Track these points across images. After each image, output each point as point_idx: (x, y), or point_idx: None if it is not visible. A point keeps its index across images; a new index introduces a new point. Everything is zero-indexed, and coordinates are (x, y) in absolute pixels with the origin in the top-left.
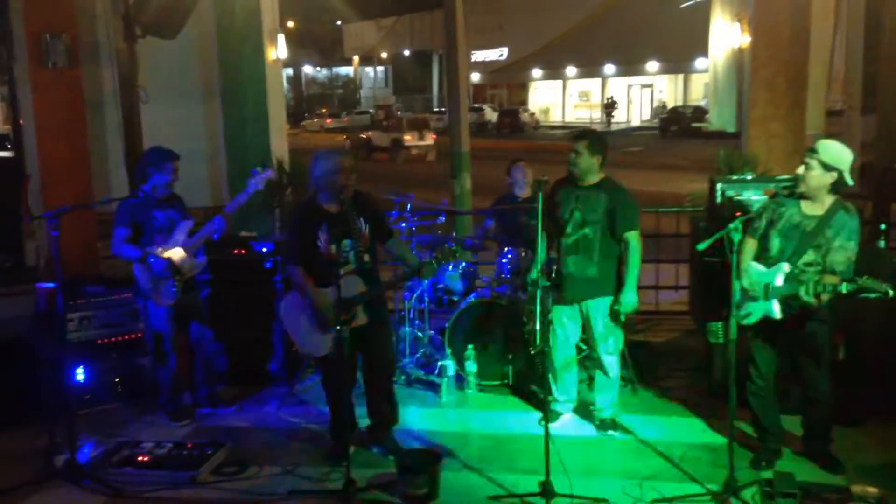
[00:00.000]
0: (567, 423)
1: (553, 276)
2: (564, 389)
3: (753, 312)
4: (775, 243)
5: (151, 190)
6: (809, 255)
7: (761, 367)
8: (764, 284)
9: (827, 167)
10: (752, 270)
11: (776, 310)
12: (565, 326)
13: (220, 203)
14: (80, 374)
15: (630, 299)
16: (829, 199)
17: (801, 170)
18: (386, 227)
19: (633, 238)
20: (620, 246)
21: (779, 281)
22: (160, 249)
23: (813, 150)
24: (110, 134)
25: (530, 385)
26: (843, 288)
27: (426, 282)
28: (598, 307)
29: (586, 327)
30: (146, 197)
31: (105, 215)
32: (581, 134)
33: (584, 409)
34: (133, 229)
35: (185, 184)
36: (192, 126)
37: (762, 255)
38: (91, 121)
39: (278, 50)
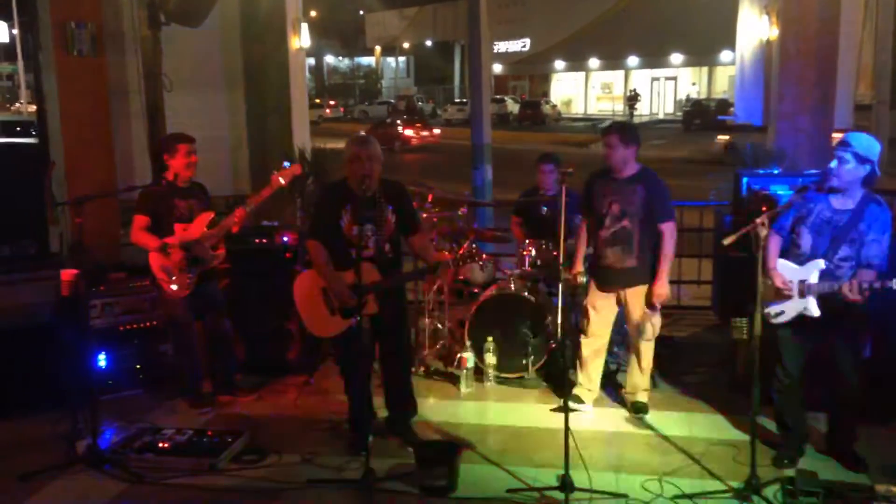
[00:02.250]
0: (588, 415)
1: (578, 269)
2: (590, 377)
3: (787, 311)
4: (806, 240)
5: (173, 177)
6: (844, 250)
7: (789, 365)
8: (799, 282)
9: (861, 159)
10: (785, 268)
11: (814, 307)
12: (601, 314)
13: (243, 192)
14: (102, 360)
15: (663, 290)
16: (859, 193)
17: (833, 164)
18: (414, 222)
19: (669, 229)
20: (655, 236)
21: (814, 278)
22: (178, 240)
23: (846, 144)
24: (134, 121)
25: (550, 378)
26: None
27: None
28: (636, 295)
29: (623, 315)
30: (168, 185)
31: (128, 203)
32: (611, 127)
33: (606, 401)
34: (153, 217)
35: (207, 172)
36: (215, 114)
37: (792, 253)
38: (115, 108)
39: (301, 39)
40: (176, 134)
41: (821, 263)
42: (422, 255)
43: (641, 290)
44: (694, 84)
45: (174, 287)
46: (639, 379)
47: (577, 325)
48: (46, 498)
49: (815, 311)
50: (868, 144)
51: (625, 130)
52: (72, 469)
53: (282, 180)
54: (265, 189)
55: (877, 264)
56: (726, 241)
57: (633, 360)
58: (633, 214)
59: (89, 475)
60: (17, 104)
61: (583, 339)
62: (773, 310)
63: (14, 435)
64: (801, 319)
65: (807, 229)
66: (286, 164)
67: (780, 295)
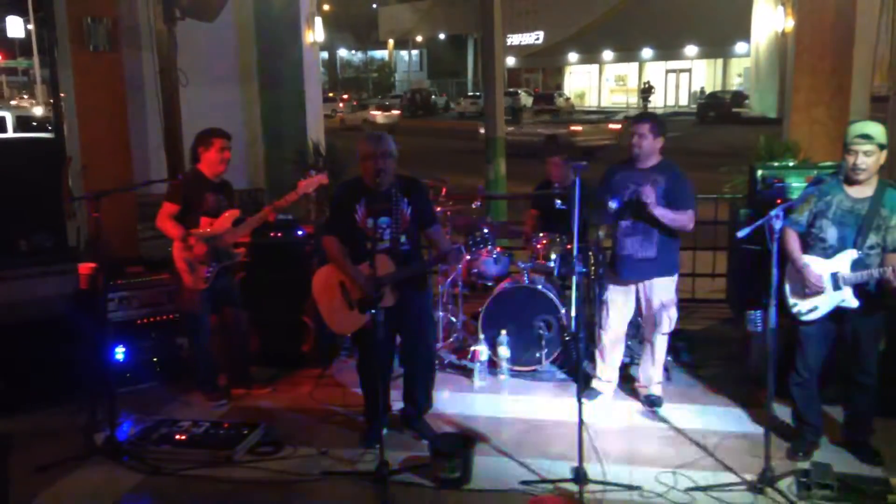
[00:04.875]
0: (604, 407)
1: (594, 261)
2: (608, 369)
3: (821, 306)
4: (831, 232)
5: (205, 170)
6: (871, 238)
7: (809, 359)
8: (831, 275)
9: (883, 147)
10: (813, 263)
11: (851, 298)
12: (619, 306)
13: (258, 186)
14: (119, 353)
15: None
16: (874, 180)
17: (858, 159)
18: (429, 215)
19: (687, 215)
20: (675, 229)
21: (847, 268)
22: (204, 233)
23: (868, 137)
24: (150, 116)
25: (565, 370)
26: None
27: (459, 267)
28: (656, 287)
29: (641, 307)
30: (201, 177)
31: (143, 197)
32: (643, 117)
33: (620, 393)
34: (183, 206)
35: None
36: (230, 109)
37: (818, 246)
38: (131, 103)
39: (315, 33)
40: (213, 128)
41: (853, 253)
42: (435, 244)
43: (659, 281)
44: (739, 75)
45: (193, 280)
46: (652, 372)
47: (593, 317)
48: (65, 489)
49: (853, 302)
50: (882, 131)
51: (656, 121)
52: (90, 460)
53: (308, 189)
54: (290, 195)
55: None
56: (741, 234)
57: (647, 352)
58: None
59: (107, 466)
60: (22, 96)
61: (602, 333)
62: (803, 307)
63: (32, 427)
64: (836, 311)
65: (829, 221)
66: (312, 171)
67: (811, 292)
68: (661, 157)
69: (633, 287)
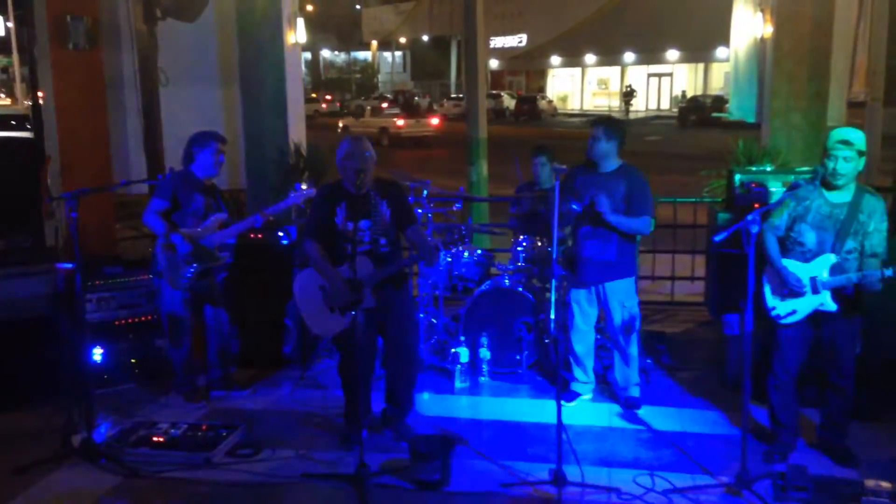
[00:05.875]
0: (583, 409)
1: (566, 262)
2: (584, 370)
3: (799, 310)
4: (810, 237)
5: (197, 171)
6: (849, 243)
7: (787, 362)
8: (810, 278)
9: (861, 153)
10: (791, 267)
11: (830, 301)
12: (583, 309)
13: (238, 187)
14: (97, 354)
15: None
16: (852, 185)
17: (838, 165)
18: (409, 216)
19: (644, 221)
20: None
21: (826, 273)
22: (190, 233)
23: (848, 143)
24: (130, 116)
25: (545, 372)
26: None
27: (440, 268)
28: (615, 289)
29: (603, 309)
30: (192, 177)
31: (123, 197)
32: (598, 120)
33: (598, 396)
34: (172, 204)
35: None
36: (210, 109)
37: (797, 250)
38: (110, 102)
39: (297, 34)
40: (210, 131)
41: (832, 258)
42: (415, 245)
43: (620, 284)
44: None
45: (174, 280)
46: (628, 373)
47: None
48: (41, 491)
49: (832, 306)
50: (862, 138)
51: (610, 125)
52: (67, 462)
53: (298, 200)
54: (280, 203)
55: (881, 252)
56: (718, 238)
57: (617, 355)
58: (613, 209)
59: (84, 469)
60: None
61: (572, 335)
62: (782, 310)
63: (9, 428)
64: (814, 315)
65: (808, 226)
66: (302, 185)
67: (790, 294)
68: (621, 161)
69: (593, 288)
